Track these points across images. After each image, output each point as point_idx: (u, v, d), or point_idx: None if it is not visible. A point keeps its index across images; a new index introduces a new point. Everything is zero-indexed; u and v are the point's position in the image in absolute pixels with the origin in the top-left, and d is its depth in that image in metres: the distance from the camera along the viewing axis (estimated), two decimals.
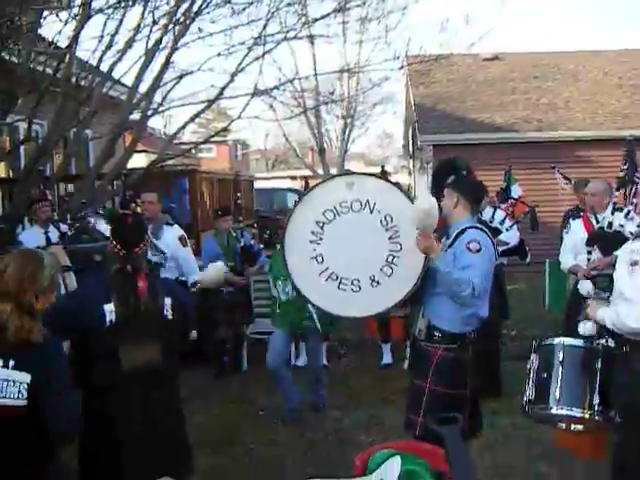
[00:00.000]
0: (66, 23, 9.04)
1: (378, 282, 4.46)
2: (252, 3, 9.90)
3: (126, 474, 3.58)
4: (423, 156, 19.69)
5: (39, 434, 2.96)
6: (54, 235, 7.08)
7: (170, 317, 3.69)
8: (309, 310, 6.42)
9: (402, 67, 12.34)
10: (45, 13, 9.08)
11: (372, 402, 7.27)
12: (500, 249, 6.49)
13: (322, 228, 4.50)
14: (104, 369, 3.58)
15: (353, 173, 6.45)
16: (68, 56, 9.26)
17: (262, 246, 8.84)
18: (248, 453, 6.09)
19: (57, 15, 8.60)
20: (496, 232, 6.68)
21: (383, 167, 8.90)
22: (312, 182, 7.26)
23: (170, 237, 7.39)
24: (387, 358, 8.62)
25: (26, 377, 2.87)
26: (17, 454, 2.92)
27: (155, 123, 39.28)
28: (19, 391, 2.86)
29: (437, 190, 4.98)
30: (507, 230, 7.41)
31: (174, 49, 9.61)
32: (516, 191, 8.58)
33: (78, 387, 3.60)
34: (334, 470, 5.38)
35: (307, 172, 26.02)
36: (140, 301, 3.61)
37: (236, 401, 7.47)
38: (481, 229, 4.54)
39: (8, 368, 2.87)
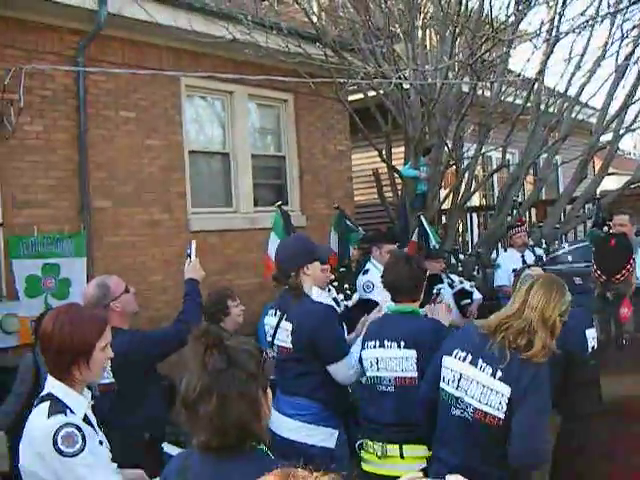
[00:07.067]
0: (534, 51, 9.25)
1: None
2: None
3: None
4: None
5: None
6: (530, 259, 7.23)
7: None
8: None
9: None
10: (513, 45, 9.41)
11: None
12: None
13: None
14: (584, 397, 3.48)
15: None
16: (537, 84, 9.42)
17: None
18: None
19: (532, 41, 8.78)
20: None
21: None
22: None
23: None
24: None
25: (507, 390, 2.92)
26: (491, 460, 2.97)
27: (623, 144, 37.56)
28: (500, 402, 2.93)
29: None
30: None
31: None
32: None
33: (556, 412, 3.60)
34: None
35: None
36: (622, 329, 3.43)
37: None
38: None
39: (495, 378, 2.95)
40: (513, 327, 2.99)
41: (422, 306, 4.08)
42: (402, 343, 3.62)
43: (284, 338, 3.94)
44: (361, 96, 10.25)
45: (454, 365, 3.11)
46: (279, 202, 8.28)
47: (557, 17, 8.90)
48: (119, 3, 7.27)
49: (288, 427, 3.85)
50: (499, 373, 2.95)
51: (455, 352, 3.13)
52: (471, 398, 3.01)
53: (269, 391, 2.11)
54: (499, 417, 2.93)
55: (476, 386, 3.00)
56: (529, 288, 3.08)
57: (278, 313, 4.05)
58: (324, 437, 3.87)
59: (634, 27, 9.10)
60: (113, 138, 7.71)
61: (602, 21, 8.81)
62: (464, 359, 3.08)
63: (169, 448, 3.75)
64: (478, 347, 3.05)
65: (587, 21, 8.35)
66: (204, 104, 9.11)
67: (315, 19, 9.03)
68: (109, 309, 3.78)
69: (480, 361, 3.02)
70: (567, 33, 8.58)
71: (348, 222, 8.82)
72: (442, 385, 3.16)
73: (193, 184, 8.63)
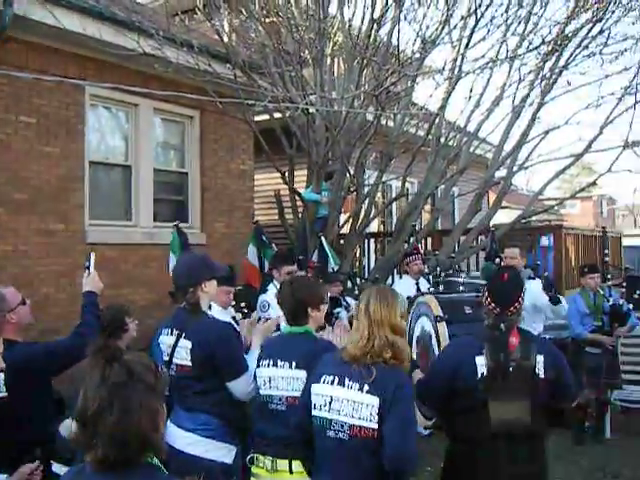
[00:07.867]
0: (437, 87, 9.61)
1: None
2: (625, 51, 9.50)
3: None
4: None
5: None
6: (424, 286, 7.45)
7: (542, 376, 3.59)
8: None
9: None
10: (417, 79, 9.74)
11: None
12: None
13: None
14: (472, 421, 3.62)
15: None
16: (438, 118, 9.77)
17: (631, 306, 8.24)
18: None
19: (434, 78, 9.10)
20: None
21: None
22: None
23: (534, 289, 7.27)
24: None
25: (376, 401, 3.06)
26: (366, 474, 3.09)
27: (517, 180, 39.34)
28: (370, 414, 3.07)
29: None
30: None
31: (541, 105, 9.60)
32: None
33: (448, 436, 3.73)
34: None
35: None
36: (510, 357, 3.59)
37: (597, 471, 6.91)
38: None
39: (363, 392, 3.10)
40: (375, 348, 3.16)
41: (323, 328, 4.16)
42: (294, 363, 3.68)
43: (183, 356, 3.91)
44: (267, 117, 10.33)
45: (323, 390, 3.23)
46: (177, 222, 8.20)
47: (460, 57, 9.28)
48: (26, 5, 7.08)
49: (187, 441, 3.83)
50: (366, 387, 3.10)
51: (322, 378, 3.26)
52: (344, 416, 3.12)
53: (164, 405, 2.12)
54: (372, 428, 3.05)
55: (347, 404, 3.13)
56: (366, 308, 3.27)
57: (175, 332, 4.01)
58: (223, 453, 3.87)
59: (530, 72, 9.61)
60: (11, 143, 7.46)
61: (501, 64, 9.23)
62: (332, 382, 3.22)
63: (57, 468, 3.65)
64: (343, 369, 3.21)
65: (487, 63, 8.76)
66: (108, 115, 8.95)
67: (226, 38, 9.06)
68: (4, 321, 3.64)
69: (347, 380, 3.17)
70: (468, 73, 8.96)
71: (264, 238, 8.81)
72: (314, 413, 3.25)
73: (92, 195, 8.43)
